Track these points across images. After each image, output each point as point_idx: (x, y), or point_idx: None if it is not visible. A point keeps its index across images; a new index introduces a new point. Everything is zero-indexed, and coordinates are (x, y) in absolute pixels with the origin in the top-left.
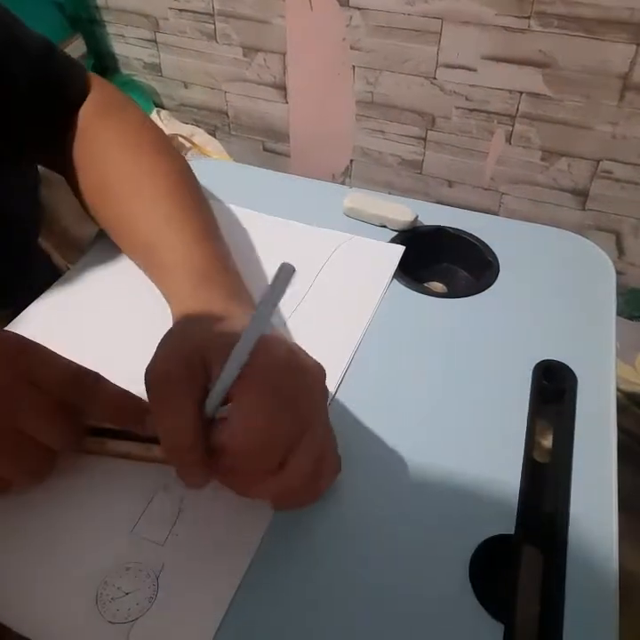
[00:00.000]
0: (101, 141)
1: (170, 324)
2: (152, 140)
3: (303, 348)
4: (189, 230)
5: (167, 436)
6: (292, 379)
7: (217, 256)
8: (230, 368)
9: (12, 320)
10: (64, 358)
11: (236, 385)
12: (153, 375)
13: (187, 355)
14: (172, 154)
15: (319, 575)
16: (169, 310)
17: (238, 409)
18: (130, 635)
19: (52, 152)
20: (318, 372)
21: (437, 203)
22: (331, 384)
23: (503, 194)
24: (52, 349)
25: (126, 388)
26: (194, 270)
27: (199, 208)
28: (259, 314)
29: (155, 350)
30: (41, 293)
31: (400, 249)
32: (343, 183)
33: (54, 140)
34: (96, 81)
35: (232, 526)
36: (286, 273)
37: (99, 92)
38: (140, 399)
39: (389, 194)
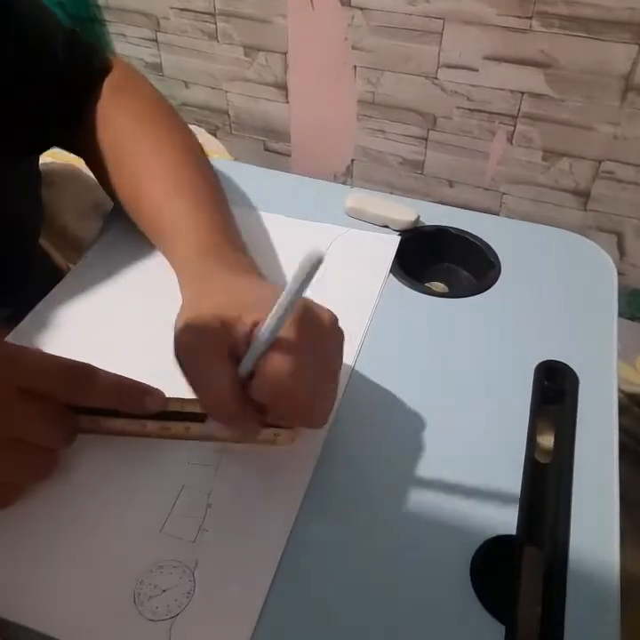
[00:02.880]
0: (116, 120)
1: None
2: (163, 116)
3: None
4: (194, 200)
5: (207, 397)
6: (313, 331)
7: (221, 225)
8: (265, 333)
9: (12, 319)
10: (53, 357)
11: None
12: (179, 348)
13: (207, 320)
14: (179, 128)
15: (324, 572)
16: (172, 305)
17: (266, 362)
18: (171, 630)
19: (70, 133)
20: (333, 322)
21: (438, 202)
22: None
23: (504, 194)
24: (47, 351)
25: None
26: (199, 240)
27: (205, 179)
28: (293, 287)
29: (175, 324)
30: (41, 292)
31: (396, 238)
32: (344, 183)
33: (74, 120)
34: (115, 60)
35: (261, 518)
36: (314, 260)
37: (117, 70)
38: (136, 382)
39: (391, 194)
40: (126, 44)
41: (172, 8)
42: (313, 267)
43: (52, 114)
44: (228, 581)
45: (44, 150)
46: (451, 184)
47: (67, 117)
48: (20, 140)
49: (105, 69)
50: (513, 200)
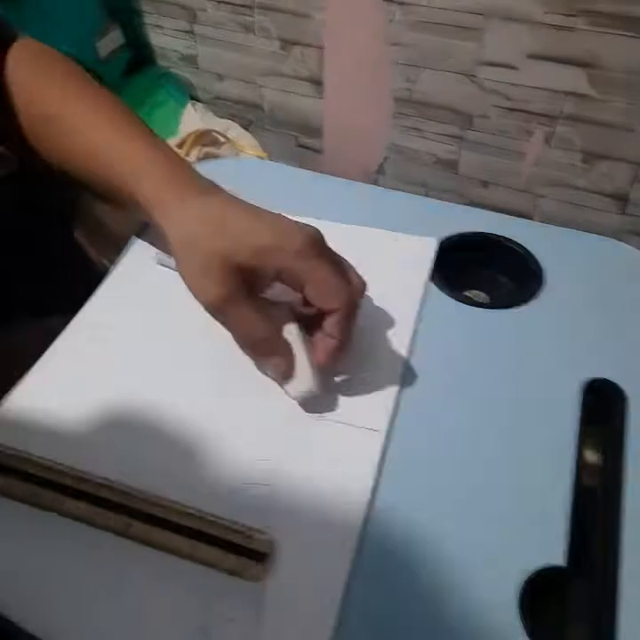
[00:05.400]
0: (30, 81)
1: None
2: (85, 78)
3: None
4: (139, 138)
5: (246, 341)
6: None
7: (173, 155)
8: None
9: (42, 316)
10: None
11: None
12: (209, 307)
13: (225, 271)
14: (90, 80)
15: (358, 607)
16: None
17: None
18: None
19: None
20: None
21: (471, 203)
22: (388, 400)
23: (539, 196)
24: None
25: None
26: (163, 173)
27: (134, 118)
28: None
29: (184, 273)
30: (76, 288)
31: (433, 242)
32: (376, 181)
33: None
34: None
35: (320, 550)
36: None
37: (26, 40)
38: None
39: (426, 194)
40: (162, 35)
41: (209, 0)
42: None
43: None
44: (299, 604)
45: None
46: (485, 185)
47: None
48: None
49: (12, 38)
50: (548, 202)
